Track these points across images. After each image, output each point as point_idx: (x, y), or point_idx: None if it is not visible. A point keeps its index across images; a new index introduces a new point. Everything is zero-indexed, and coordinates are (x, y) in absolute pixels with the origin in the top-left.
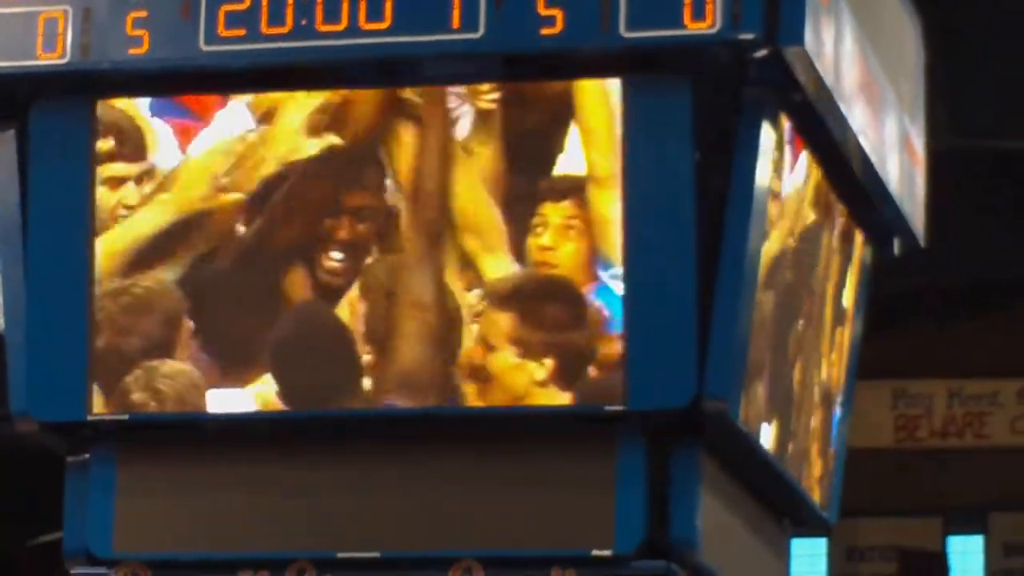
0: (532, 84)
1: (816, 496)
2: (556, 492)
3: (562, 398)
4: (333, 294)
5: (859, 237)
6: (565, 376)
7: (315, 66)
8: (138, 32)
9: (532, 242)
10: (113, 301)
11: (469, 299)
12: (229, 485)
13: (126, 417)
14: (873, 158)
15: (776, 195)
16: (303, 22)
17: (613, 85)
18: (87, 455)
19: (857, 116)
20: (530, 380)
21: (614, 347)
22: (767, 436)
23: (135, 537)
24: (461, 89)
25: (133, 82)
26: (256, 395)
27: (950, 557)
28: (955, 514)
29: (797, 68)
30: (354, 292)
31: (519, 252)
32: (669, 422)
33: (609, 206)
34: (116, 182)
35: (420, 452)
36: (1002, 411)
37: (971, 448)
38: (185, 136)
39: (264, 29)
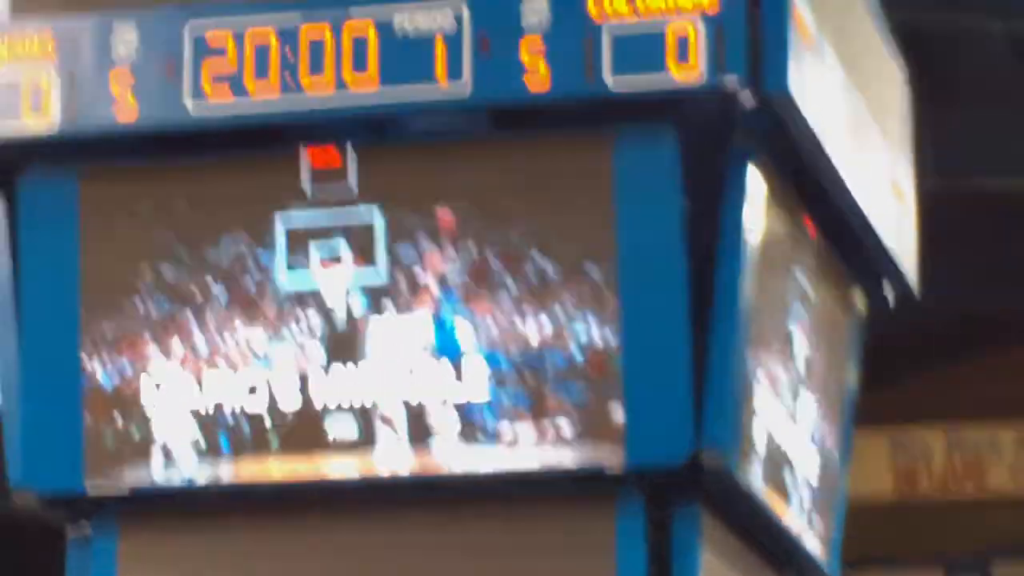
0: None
1: (817, 548)
2: (556, 557)
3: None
4: None
5: (851, 282)
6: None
7: (302, 124)
8: (125, 96)
9: None
10: None
11: None
12: (232, 554)
13: (126, 491)
14: (862, 202)
15: (766, 239)
16: (288, 79)
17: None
18: (88, 528)
19: (845, 161)
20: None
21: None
22: (766, 490)
23: None
24: None
25: (120, 147)
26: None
27: None
28: (957, 563)
29: (784, 114)
30: None
31: None
32: (668, 480)
33: None
34: None
35: (416, 517)
36: (1001, 459)
37: (971, 497)
38: None
39: (252, 92)
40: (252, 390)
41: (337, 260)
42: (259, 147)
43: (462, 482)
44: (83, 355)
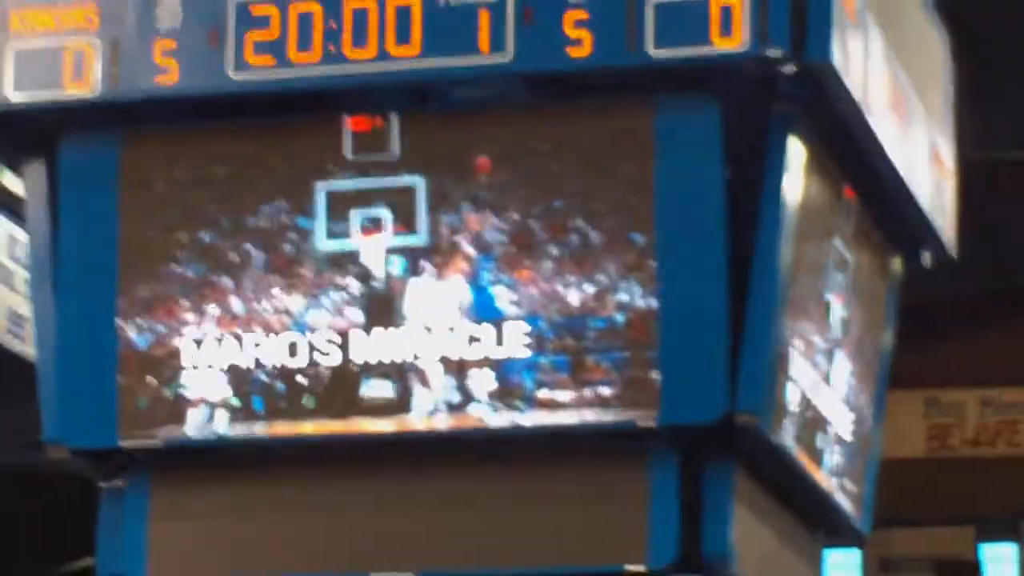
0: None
1: (849, 507)
2: (589, 508)
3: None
4: None
5: (889, 248)
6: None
7: (344, 93)
8: (166, 62)
9: None
10: None
11: None
12: (264, 509)
13: (160, 443)
14: (902, 171)
15: (805, 206)
16: (331, 48)
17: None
18: (120, 482)
19: (886, 130)
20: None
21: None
22: (799, 449)
23: (169, 563)
24: None
25: (162, 112)
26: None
27: (983, 565)
28: (988, 522)
29: (825, 84)
30: None
31: None
32: (701, 437)
33: None
34: None
35: (452, 470)
36: None
37: (1003, 456)
38: None
39: (292, 56)
40: (288, 352)
41: (378, 227)
42: (301, 114)
43: (498, 439)
44: (119, 315)
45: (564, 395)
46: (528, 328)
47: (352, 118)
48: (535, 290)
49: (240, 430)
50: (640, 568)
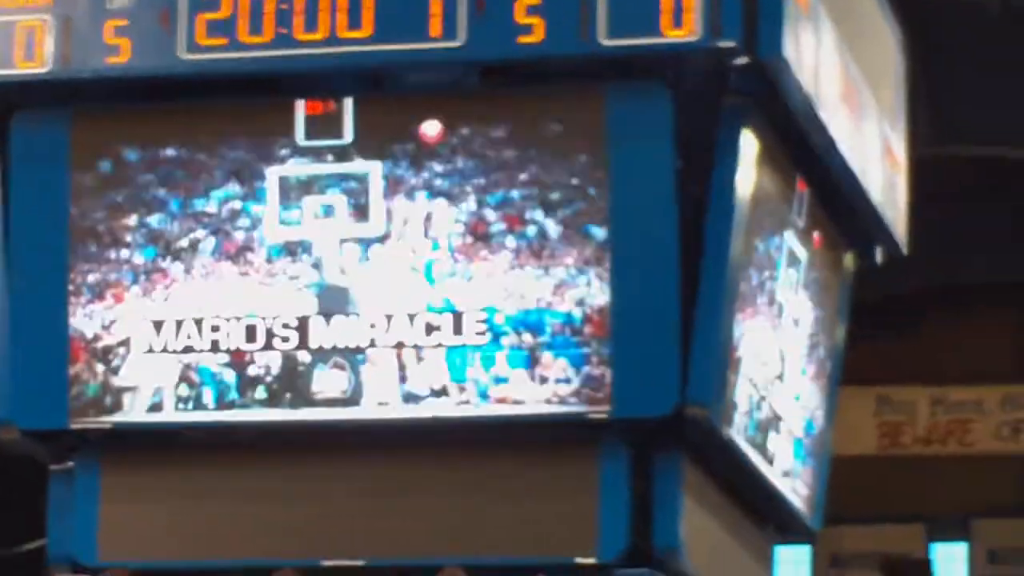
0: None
1: (800, 503)
2: (540, 500)
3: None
4: None
5: (841, 243)
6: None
7: (295, 76)
8: (118, 41)
9: None
10: None
11: None
12: (215, 493)
13: (110, 425)
14: (854, 165)
15: (756, 200)
16: (282, 31)
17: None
18: (71, 463)
19: (838, 124)
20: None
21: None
22: (750, 444)
23: (120, 545)
24: None
25: (113, 91)
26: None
27: (934, 564)
28: (939, 521)
29: (776, 77)
30: None
31: None
32: (652, 430)
33: None
34: None
35: (402, 459)
36: (985, 418)
37: (954, 455)
38: None
39: (244, 38)
40: (239, 339)
41: (331, 214)
42: (252, 98)
43: (450, 428)
44: (71, 297)
45: (518, 387)
46: (484, 318)
47: (306, 102)
48: (490, 280)
49: (190, 417)
50: (590, 560)
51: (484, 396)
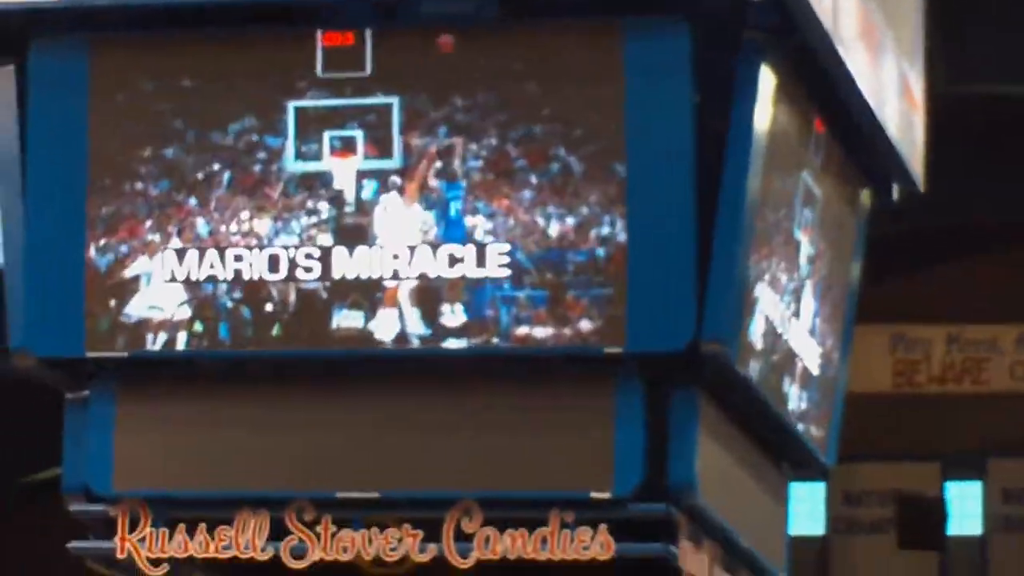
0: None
1: (815, 440)
2: (555, 434)
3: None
4: None
5: (857, 181)
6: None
7: (314, 6)
8: None
9: None
10: None
11: None
12: (229, 423)
13: (125, 354)
14: (872, 103)
15: (774, 137)
16: None
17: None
18: (86, 392)
19: (855, 61)
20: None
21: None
22: (765, 380)
23: (134, 474)
24: None
25: (131, 18)
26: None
27: (948, 502)
28: (954, 459)
29: (795, 12)
30: None
31: None
32: (667, 365)
33: None
34: None
35: (420, 392)
36: (1001, 357)
37: (969, 394)
38: None
39: None
40: (256, 273)
41: (351, 148)
42: (271, 28)
43: (465, 362)
44: (88, 227)
45: (536, 322)
46: (504, 251)
47: (325, 34)
48: (508, 215)
49: (207, 344)
50: (604, 495)
51: (503, 331)
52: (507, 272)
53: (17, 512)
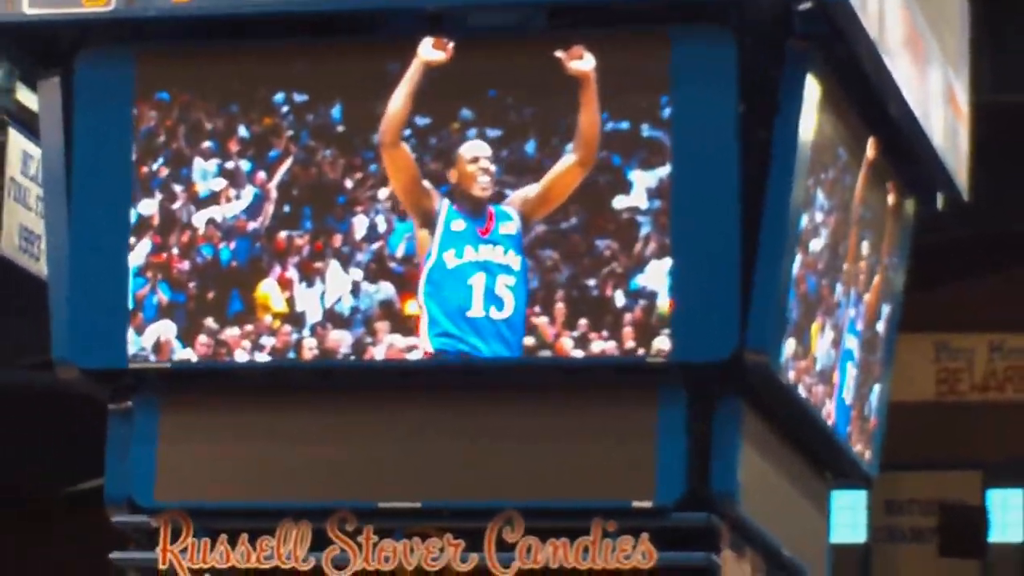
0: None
1: (857, 449)
2: (597, 443)
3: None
4: None
5: (902, 189)
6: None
7: (360, 15)
8: None
9: None
10: None
11: None
12: (271, 434)
13: (168, 365)
14: (917, 112)
15: (819, 146)
16: None
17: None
18: (129, 403)
19: (901, 70)
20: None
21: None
22: (808, 389)
23: (176, 485)
24: None
25: (178, 30)
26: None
27: (990, 510)
28: (995, 468)
29: (841, 21)
30: None
31: None
32: (711, 374)
33: None
34: None
35: (462, 402)
36: None
37: (1012, 402)
38: None
39: None
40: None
41: None
42: (315, 41)
43: (511, 372)
44: (132, 237)
45: (576, 326)
46: (539, 259)
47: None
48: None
49: (250, 355)
50: (647, 504)
51: (544, 340)
52: (543, 274)
53: (59, 523)
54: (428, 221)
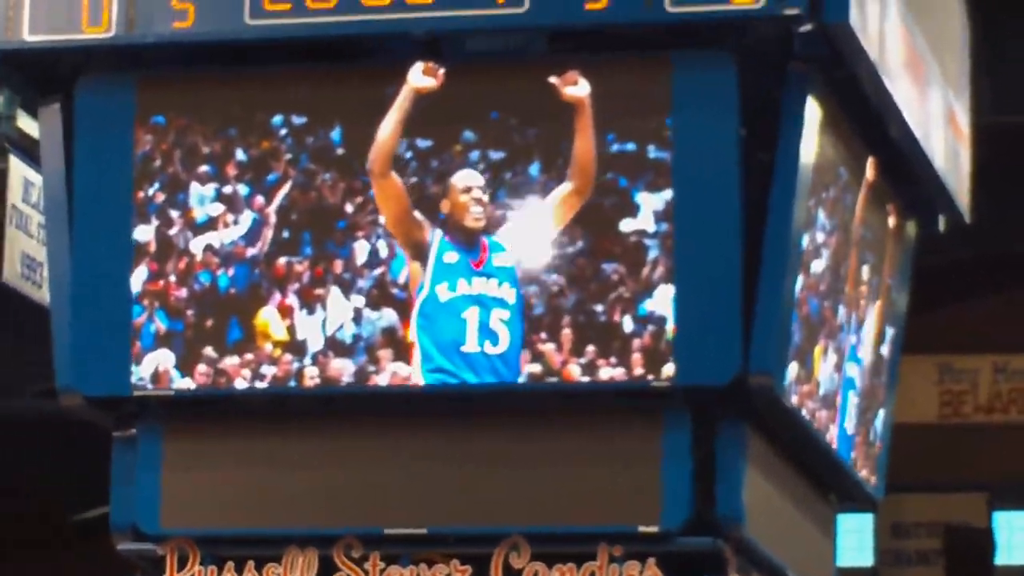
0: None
1: (863, 474)
2: (603, 468)
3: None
4: None
5: (903, 211)
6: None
7: (359, 41)
8: (183, 6)
9: None
10: None
11: None
12: (277, 461)
13: (171, 393)
14: (918, 133)
15: (820, 168)
16: None
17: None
18: (133, 430)
19: (902, 92)
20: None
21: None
22: (812, 412)
23: (182, 513)
24: None
25: (178, 56)
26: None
27: (996, 533)
28: (1001, 490)
29: (842, 44)
30: None
31: None
32: (715, 398)
33: None
34: None
35: (467, 427)
36: None
37: (1017, 423)
38: None
39: (309, 3)
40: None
41: None
42: (315, 66)
43: (514, 397)
44: (134, 264)
45: (578, 350)
46: (541, 284)
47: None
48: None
49: (252, 383)
50: (652, 528)
51: (547, 365)
52: (545, 300)
53: (66, 551)
54: (420, 253)
